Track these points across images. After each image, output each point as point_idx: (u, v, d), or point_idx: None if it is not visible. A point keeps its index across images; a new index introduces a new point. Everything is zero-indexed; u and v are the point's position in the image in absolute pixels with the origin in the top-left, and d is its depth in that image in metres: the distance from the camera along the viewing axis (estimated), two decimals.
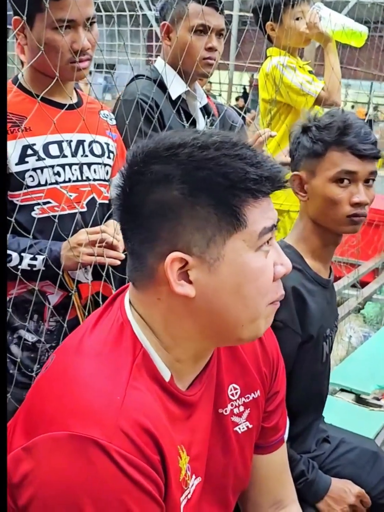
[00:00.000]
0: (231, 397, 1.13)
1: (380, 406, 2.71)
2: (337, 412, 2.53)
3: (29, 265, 1.72)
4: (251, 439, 1.18)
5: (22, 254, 1.72)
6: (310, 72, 3.16)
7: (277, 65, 2.90)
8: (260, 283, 0.95)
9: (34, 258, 1.72)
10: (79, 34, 1.69)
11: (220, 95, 10.77)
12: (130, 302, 1.02)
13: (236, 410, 1.14)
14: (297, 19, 2.93)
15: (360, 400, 2.82)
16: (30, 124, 1.72)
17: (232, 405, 1.14)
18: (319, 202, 1.66)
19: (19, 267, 1.70)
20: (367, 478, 1.80)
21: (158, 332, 0.98)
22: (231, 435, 1.14)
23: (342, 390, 2.85)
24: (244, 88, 20.53)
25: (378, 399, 2.88)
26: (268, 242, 0.96)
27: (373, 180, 1.67)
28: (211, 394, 1.09)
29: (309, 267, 1.68)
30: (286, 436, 1.29)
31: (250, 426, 1.17)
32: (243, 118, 3.72)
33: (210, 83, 12.49)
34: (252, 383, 1.16)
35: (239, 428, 1.15)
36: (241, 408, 1.15)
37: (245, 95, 19.31)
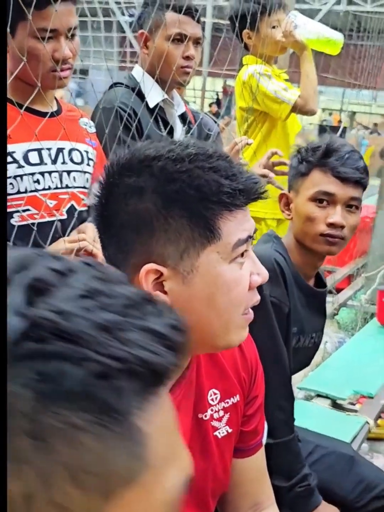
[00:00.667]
0: (211, 402, 1.15)
1: (355, 411, 2.74)
2: (314, 417, 2.55)
3: None
4: (231, 444, 1.20)
5: None
6: (286, 80, 3.20)
7: (253, 73, 2.92)
8: (234, 294, 0.96)
9: None
10: (61, 44, 1.70)
11: (194, 102, 10.82)
12: None
13: (216, 415, 1.15)
14: (274, 27, 2.96)
15: (336, 405, 2.85)
16: (10, 132, 1.73)
17: (212, 410, 1.15)
18: (299, 220, 1.70)
19: None
20: (344, 482, 1.83)
21: None
22: (211, 440, 1.15)
23: (318, 395, 2.87)
24: (217, 94, 20.66)
25: (354, 404, 2.91)
26: (243, 253, 0.97)
27: (357, 207, 1.70)
28: (191, 399, 1.10)
29: (292, 264, 1.72)
30: (264, 440, 1.31)
31: (230, 430, 1.18)
32: (217, 124, 3.75)
33: (182, 86, 12.59)
34: (231, 388, 1.18)
35: (219, 433, 1.16)
36: (221, 413, 1.16)
37: (218, 102, 19.44)
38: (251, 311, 1.02)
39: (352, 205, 1.68)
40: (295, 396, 2.80)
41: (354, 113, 18.90)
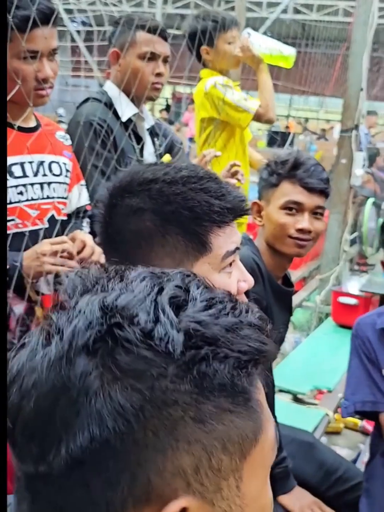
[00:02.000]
0: None
1: (315, 404, 2.90)
2: (277, 410, 2.70)
3: None
4: None
5: None
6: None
7: (215, 85, 3.06)
8: None
9: None
10: (43, 64, 1.82)
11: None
12: None
13: None
14: (230, 43, 3.11)
15: (297, 399, 3.01)
16: None
17: None
18: (271, 226, 1.87)
19: None
20: (307, 468, 1.97)
21: None
22: None
23: (280, 390, 3.03)
24: (167, 101, 20.82)
25: (313, 398, 3.08)
26: (231, 263, 1.11)
27: (321, 214, 1.89)
28: None
29: (264, 264, 1.88)
30: None
31: None
32: None
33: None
34: None
35: None
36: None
37: (167, 108, 19.59)
38: None
39: (317, 212, 1.87)
40: None
41: (306, 119, 19.25)
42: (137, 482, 0.54)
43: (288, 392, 3.04)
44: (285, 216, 1.84)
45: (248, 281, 1.14)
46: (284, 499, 1.84)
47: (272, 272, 1.90)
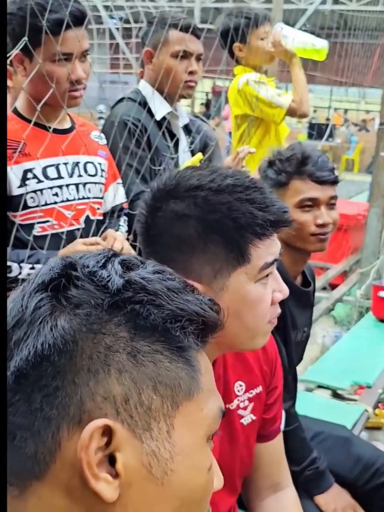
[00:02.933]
0: (237, 392, 1.29)
1: (355, 400, 2.88)
2: (315, 406, 2.69)
3: (28, 274, 1.85)
4: (254, 430, 1.34)
5: (21, 264, 1.85)
6: (277, 87, 3.33)
7: (248, 81, 3.06)
8: (259, 310, 1.09)
9: (32, 268, 1.85)
10: (76, 66, 1.84)
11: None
12: None
13: (242, 404, 1.30)
14: (262, 39, 3.10)
15: (336, 395, 2.99)
16: (29, 150, 1.86)
17: (238, 400, 1.29)
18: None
19: (19, 276, 1.83)
20: (343, 463, 1.96)
21: None
22: (237, 427, 1.29)
23: (319, 386, 3.01)
24: (207, 95, 20.75)
25: (353, 394, 3.06)
26: (268, 274, 1.10)
27: (334, 203, 1.87)
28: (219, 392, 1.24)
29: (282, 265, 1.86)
30: (282, 426, 1.45)
31: (254, 418, 1.32)
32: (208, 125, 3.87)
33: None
34: (255, 380, 1.32)
35: (244, 420, 1.31)
36: (246, 402, 1.31)
37: (207, 102, 19.53)
38: (275, 320, 1.15)
39: (332, 203, 1.86)
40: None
41: (346, 111, 19.02)
42: (71, 401, 0.59)
43: (327, 388, 3.02)
44: (302, 214, 1.82)
45: (283, 292, 1.14)
46: (319, 499, 1.83)
47: (290, 271, 1.88)
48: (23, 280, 1.75)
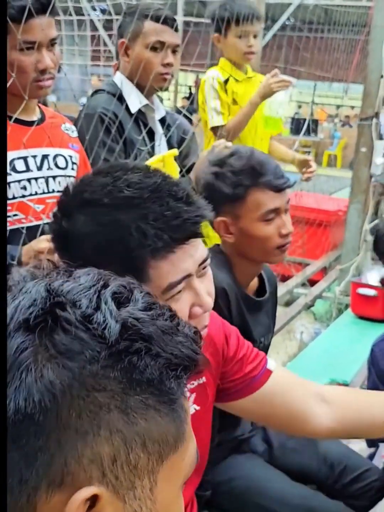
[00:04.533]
0: None
1: None
2: None
3: None
4: (202, 420, 1.29)
5: None
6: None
7: (207, 79, 3.08)
8: None
9: None
10: (43, 55, 1.78)
11: (169, 98, 10.87)
12: None
13: None
14: (240, 37, 3.04)
15: None
16: None
17: None
18: (249, 241, 1.75)
19: None
20: (310, 463, 1.89)
21: None
22: None
23: None
24: (190, 89, 20.70)
25: None
26: (180, 291, 1.01)
27: (288, 209, 1.78)
28: None
29: (235, 278, 1.79)
30: (271, 366, 1.36)
31: (198, 408, 1.28)
32: (190, 120, 3.83)
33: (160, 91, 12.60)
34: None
35: None
36: (187, 394, 1.26)
37: (190, 95, 19.47)
38: (203, 330, 1.07)
39: (287, 208, 1.77)
40: None
41: (338, 106, 19.00)
42: (54, 463, 0.54)
43: None
44: (266, 227, 1.72)
45: (203, 306, 1.04)
46: None
47: (242, 280, 1.81)
48: None
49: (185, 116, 3.02)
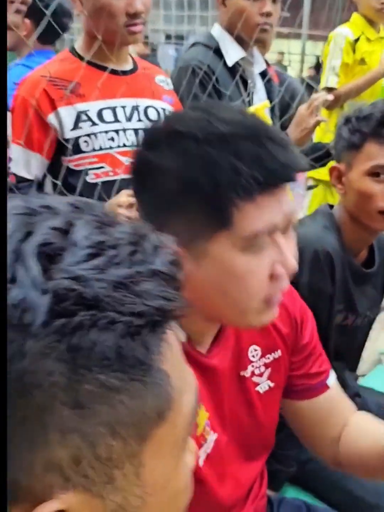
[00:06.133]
0: (251, 358, 1.14)
1: None
2: None
3: None
4: (274, 397, 1.20)
5: None
6: None
7: (335, 36, 2.97)
8: (248, 284, 0.91)
9: None
10: None
11: (289, 65, 10.62)
12: None
13: (257, 371, 1.15)
14: None
15: None
16: (84, 91, 1.76)
17: (252, 366, 1.14)
18: (354, 196, 1.61)
19: None
20: None
21: None
22: (253, 395, 1.15)
23: None
24: (318, 58, 20.16)
25: None
26: (264, 243, 0.91)
27: None
28: (231, 358, 1.10)
29: (344, 241, 1.67)
30: (331, 382, 1.26)
31: (272, 385, 1.18)
32: (315, 89, 3.69)
33: (282, 53, 12.33)
34: (273, 343, 1.17)
35: (260, 388, 1.16)
36: (262, 369, 1.16)
37: (317, 66, 18.96)
38: (278, 297, 0.96)
39: None
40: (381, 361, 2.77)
41: None
42: None
43: None
44: (372, 183, 1.56)
45: (287, 267, 0.93)
46: None
47: (352, 247, 1.67)
48: None
49: (309, 85, 2.92)
